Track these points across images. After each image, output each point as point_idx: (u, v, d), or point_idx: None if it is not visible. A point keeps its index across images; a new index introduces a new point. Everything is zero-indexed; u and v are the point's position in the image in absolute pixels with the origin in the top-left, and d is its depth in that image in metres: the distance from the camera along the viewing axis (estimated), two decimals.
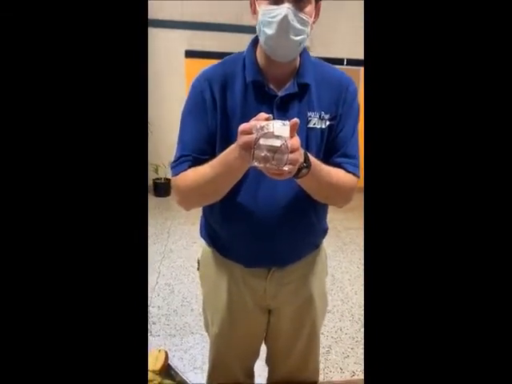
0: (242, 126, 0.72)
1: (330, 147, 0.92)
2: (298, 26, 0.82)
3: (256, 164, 0.69)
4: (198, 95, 0.90)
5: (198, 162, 0.88)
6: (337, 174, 0.89)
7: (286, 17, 0.80)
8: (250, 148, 0.69)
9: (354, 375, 1.72)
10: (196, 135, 0.90)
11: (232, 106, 0.89)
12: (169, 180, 4.25)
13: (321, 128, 0.90)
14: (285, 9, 0.80)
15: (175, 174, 0.91)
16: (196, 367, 1.70)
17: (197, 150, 0.89)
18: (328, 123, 0.90)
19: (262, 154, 0.68)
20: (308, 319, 1.04)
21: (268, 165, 0.68)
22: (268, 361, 1.13)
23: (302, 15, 0.82)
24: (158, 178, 4.24)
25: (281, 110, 0.89)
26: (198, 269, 1.13)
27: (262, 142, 0.68)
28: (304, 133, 0.88)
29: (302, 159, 0.76)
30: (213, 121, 0.89)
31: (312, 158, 0.80)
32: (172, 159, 0.92)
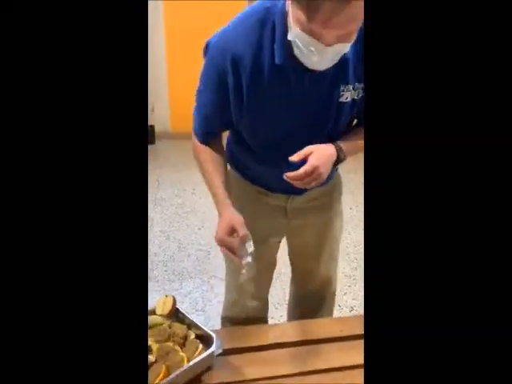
0: (220, 241, 0.85)
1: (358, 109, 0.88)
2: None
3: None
4: (219, 73, 0.81)
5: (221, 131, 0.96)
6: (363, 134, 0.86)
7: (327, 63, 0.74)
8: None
9: (352, 310, 1.78)
10: (218, 112, 0.89)
11: (260, 88, 0.81)
12: (153, 127, 4.08)
13: (353, 99, 0.83)
14: (329, 56, 0.71)
15: (199, 141, 0.94)
16: (198, 309, 1.72)
17: (220, 124, 0.93)
18: (362, 93, 0.83)
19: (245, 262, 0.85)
20: (329, 235, 1.12)
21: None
22: (292, 280, 1.28)
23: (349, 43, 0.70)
24: None
25: (311, 84, 0.80)
26: None
27: (243, 263, 0.84)
28: (335, 108, 0.83)
29: (327, 171, 0.81)
30: (236, 102, 0.83)
31: (344, 147, 0.84)
32: (194, 125, 0.94)
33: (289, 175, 0.79)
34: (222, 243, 0.84)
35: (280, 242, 1.15)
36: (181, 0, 3.60)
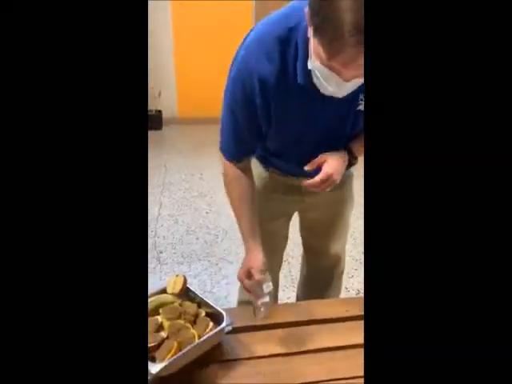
0: (240, 281, 0.93)
1: None
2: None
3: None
4: (246, 91, 0.80)
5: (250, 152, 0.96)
6: None
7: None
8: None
9: (358, 293, 1.80)
10: (248, 133, 0.88)
11: (284, 103, 0.82)
12: (160, 112, 4.09)
13: None
14: (346, 88, 0.71)
15: (228, 160, 0.93)
16: (206, 291, 1.76)
17: (250, 137, 0.90)
18: None
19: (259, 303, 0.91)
20: (340, 213, 1.17)
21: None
22: (303, 259, 1.31)
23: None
24: (148, 110, 4.06)
25: (331, 103, 0.81)
26: None
27: (259, 303, 0.90)
28: (352, 116, 0.85)
29: (340, 176, 0.87)
30: (263, 116, 0.84)
31: (356, 151, 0.90)
32: (221, 141, 0.92)
33: (306, 183, 0.87)
34: (241, 283, 0.94)
35: (290, 219, 1.18)
36: (188, 1, 3.59)
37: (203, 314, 0.90)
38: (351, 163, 0.92)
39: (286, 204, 1.11)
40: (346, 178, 1.13)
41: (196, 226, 2.27)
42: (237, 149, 0.91)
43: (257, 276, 0.89)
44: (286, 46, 0.76)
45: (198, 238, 2.16)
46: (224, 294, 1.75)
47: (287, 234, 1.20)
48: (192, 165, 3.05)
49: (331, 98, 0.79)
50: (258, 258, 0.92)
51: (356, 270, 1.95)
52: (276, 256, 1.19)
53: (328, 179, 0.85)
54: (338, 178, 0.87)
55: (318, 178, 0.85)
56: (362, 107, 0.84)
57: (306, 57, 0.73)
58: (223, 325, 0.84)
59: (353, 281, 1.88)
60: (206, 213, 2.41)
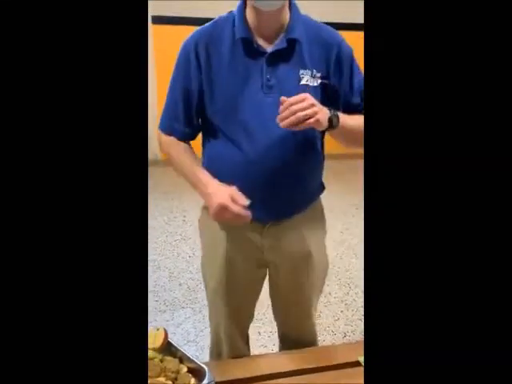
0: (223, 209, 0.87)
1: (330, 103, 0.90)
2: None
3: None
4: (184, 57, 0.93)
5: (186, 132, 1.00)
6: (360, 118, 0.90)
7: None
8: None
9: (345, 336, 1.77)
10: (183, 102, 0.96)
11: (218, 64, 0.90)
12: None
13: (313, 86, 0.90)
14: None
15: (163, 132, 1.02)
16: (190, 341, 1.70)
17: (185, 119, 0.98)
18: (320, 81, 0.91)
19: None
20: (306, 278, 1.05)
21: None
22: (274, 315, 1.20)
23: None
24: None
25: (270, 66, 0.89)
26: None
27: None
28: (297, 90, 0.86)
29: (322, 115, 0.81)
30: (195, 82, 0.92)
31: (341, 117, 0.87)
32: (163, 112, 1.01)
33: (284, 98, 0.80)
34: (224, 212, 0.86)
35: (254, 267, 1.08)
36: (171, 25, 3.74)
37: (185, 369, 0.87)
38: (332, 122, 0.85)
39: (247, 244, 1.02)
40: (314, 228, 1.05)
41: (179, 272, 2.22)
42: (171, 120, 0.98)
43: (241, 200, 0.85)
44: (221, 18, 0.92)
45: (180, 284, 2.11)
46: (208, 343, 1.68)
47: (259, 276, 1.08)
48: (175, 207, 3.03)
49: (268, 64, 0.88)
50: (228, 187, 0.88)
51: (342, 312, 1.92)
52: (247, 304, 1.10)
53: (305, 101, 0.78)
54: (319, 111, 0.79)
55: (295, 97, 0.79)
56: (304, 81, 0.89)
57: (243, 14, 0.88)
58: (205, 382, 0.82)
59: (339, 323, 1.85)
60: (189, 257, 2.37)
